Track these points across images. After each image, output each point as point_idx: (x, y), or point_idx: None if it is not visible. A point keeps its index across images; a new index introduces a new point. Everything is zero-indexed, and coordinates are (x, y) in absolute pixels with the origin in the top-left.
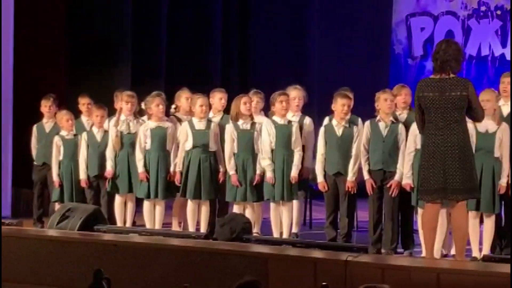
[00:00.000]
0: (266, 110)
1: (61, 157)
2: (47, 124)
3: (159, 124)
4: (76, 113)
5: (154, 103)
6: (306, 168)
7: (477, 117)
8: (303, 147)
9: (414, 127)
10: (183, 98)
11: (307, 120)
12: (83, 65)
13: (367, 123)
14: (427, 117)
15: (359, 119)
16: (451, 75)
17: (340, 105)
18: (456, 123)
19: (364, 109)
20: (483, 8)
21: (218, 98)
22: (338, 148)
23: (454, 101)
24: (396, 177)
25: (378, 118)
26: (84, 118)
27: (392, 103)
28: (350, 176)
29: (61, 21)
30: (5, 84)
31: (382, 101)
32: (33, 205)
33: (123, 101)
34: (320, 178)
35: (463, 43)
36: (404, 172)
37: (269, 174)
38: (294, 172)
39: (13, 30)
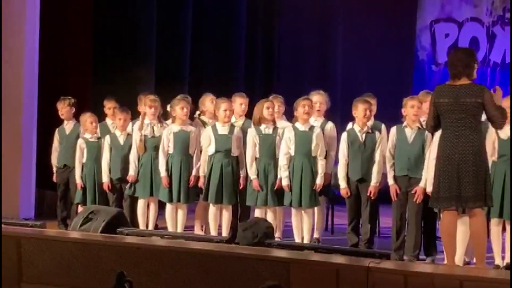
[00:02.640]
0: (289, 115)
1: (84, 160)
2: (67, 126)
3: (182, 127)
4: (101, 116)
5: (179, 106)
6: (327, 174)
7: (495, 124)
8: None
9: (438, 134)
10: (207, 101)
11: (329, 125)
12: (107, 68)
13: (394, 128)
14: (443, 123)
15: (383, 125)
16: (467, 82)
17: (362, 110)
18: (470, 129)
19: (387, 115)
20: (508, 15)
21: (238, 103)
22: (361, 154)
23: (469, 108)
24: (421, 184)
25: (404, 124)
26: (109, 121)
27: (419, 109)
28: (373, 182)
29: (87, 25)
30: (29, 87)
31: (409, 107)
32: (57, 207)
33: (147, 106)
34: (343, 184)
35: (487, 50)
36: (429, 179)
37: (285, 182)
38: (319, 180)
39: (38, 33)
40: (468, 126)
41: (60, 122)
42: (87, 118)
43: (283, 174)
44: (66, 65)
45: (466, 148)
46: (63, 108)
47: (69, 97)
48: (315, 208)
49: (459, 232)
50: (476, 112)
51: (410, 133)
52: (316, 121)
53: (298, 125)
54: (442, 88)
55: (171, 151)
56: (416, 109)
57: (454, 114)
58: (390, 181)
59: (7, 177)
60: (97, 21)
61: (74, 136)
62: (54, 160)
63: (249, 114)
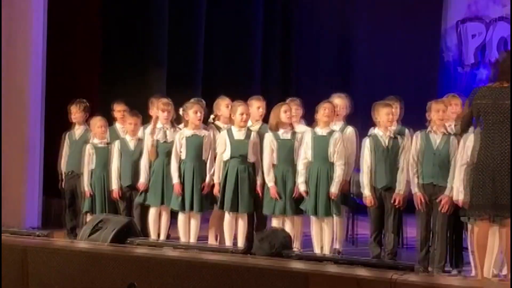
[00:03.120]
0: (308, 119)
1: (92, 166)
2: (77, 131)
3: (195, 132)
4: (110, 120)
5: (192, 110)
6: (345, 181)
7: None
8: None
9: (465, 138)
10: (223, 106)
11: (349, 130)
12: (116, 70)
13: (418, 134)
14: (480, 126)
15: (407, 130)
16: (505, 84)
17: (384, 114)
18: (507, 134)
19: (411, 119)
20: None
21: (255, 106)
22: (385, 160)
23: (506, 111)
24: (447, 192)
25: (429, 129)
26: (118, 126)
27: (445, 113)
28: (398, 189)
29: (95, 25)
30: (35, 89)
31: (434, 111)
32: (65, 216)
33: (159, 110)
34: (367, 192)
35: None
36: (456, 187)
37: (302, 188)
38: (334, 188)
39: (46, 33)
40: (505, 130)
41: (68, 126)
42: (97, 122)
43: (299, 179)
44: (74, 66)
45: (502, 153)
46: (77, 112)
47: (84, 100)
48: (336, 218)
49: (488, 242)
50: None
51: (435, 139)
52: (335, 125)
53: (317, 129)
54: (482, 89)
55: (183, 156)
56: (441, 113)
57: (492, 117)
58: (415, 189)
59: (11, 183)
60: (107, 20)
61: (82, 141)
62: (63, 166)
63: (265, 118)
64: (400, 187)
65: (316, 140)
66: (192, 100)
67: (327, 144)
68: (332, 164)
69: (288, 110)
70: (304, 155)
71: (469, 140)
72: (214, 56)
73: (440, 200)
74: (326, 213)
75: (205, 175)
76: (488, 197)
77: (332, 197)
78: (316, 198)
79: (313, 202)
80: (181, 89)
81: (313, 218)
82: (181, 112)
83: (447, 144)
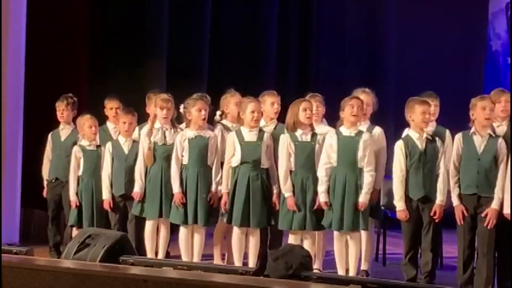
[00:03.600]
0: (330, 118)
1: (80, 172)
2: (62, 131)
3: (199, 133)
4: (100, 119)
5: (195, 107)
6: (375, 190)
7: None
8: None
9: None
10: (232, 103)
11: (377, 131)
12: (108, 62)
13: (459, 136)
14: None
15: (447, 131)
16: None
17: (420, 113)
18: None
19: (453, 119)
20: None
21: (269, 103)
22: (422, 167)
23: None
24: (494, 205)
25: (472, 130)
26: (110, 125)
27: (492, 112)
28: (438, 199)
29: (84, 10)
30: (14, 86)
31: (479, 109)
32: (48, 230)
33: (157, 107)
34: (401, 205)
35: None
36: (505, 198)
37: (321, 199)
38: (363, 198)
39: (25, 21)
40: None
41: (52, 127)
42: (85, 121)
43: (320, 188)
44: (59, 58)
45: None
46: (65, 110)
47: (71, 95)
48: (364, 233)
49: None
50: None
51: (479, 142)
52: (360, 125)
53: (343, 129)
54: None
55: (185, 161)
56: (488, 112)
57: None
58: (455, 201)
59: None
60: (97, 4)
61: (70, 144)
62: (46, 172)
63: (281, 117)
64: (441, 197)
65: (342, 142)
66: (194, 95)
67: (356, 147)
68: (360, 170)
69: (308, 108)
70: (327, 159)
71: None
72: (222, 46)
73: (486, 214)
74: (353, 228)
75: (211, 183)
76: None
77: (362, 209)
78: (342, 210)
79: (338, 214)
80: (183, 83)
81: (336, 234)
82: (181, 109)
83: (493, 148)
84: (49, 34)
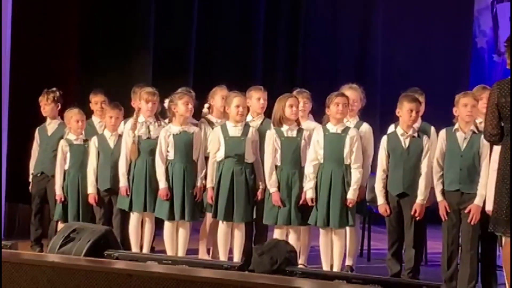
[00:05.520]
0: (316, 114)
1: (66, 166)
2: (49, 125)
3: (183, 128)
4: (86, 114)
5: (182, 100)
6: (362, 186)
7: None
8: None
9: None
10: (218, 96)
11: (365, 127)
12: (96, 56)
13: (443, 132)
14: (506, 128)
15: (432, 128)
16: None
17: (407, 110)
18: None
19: (438, 115)
20: None
21: (255, 98)
22: (403, 163)
23: None
24: (476, 201)
25: (456, 126)
26: (96, 120)
27: (474, 109)
28: (419, 198)
29: (72, 3)
30: None
31: (461, 106)
32: (31, 224)
33: (143, 100)
34: (381, 200)
35: None
36: (488, 195)
37: (308, 195)
38: (351, 194)
39: (10, 15)
40: None
41: (39, 121)
42: (73, 115)
43: (307, 185)
44: (46, 53)
45: None
46: (47, 104)
47: (54, 90)
48: (348, 229)
49: None
50: None
51: (462, 138)
52: (348, 122)
53: (330, 126)
54: (507, 84)
55: (171, 157)
56: (470, 108)
57: None
58: (439, 197)
59: None
60: (85, 1)
61: (56, 139)
62: (32, 166)
63: (269, 112)
64: (421, 197)
65: (328, 139)
66: (179, 90)
67: (342, 144)
68: (347, 166)
69: (294, 104)
70: (314, 155)
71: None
72: (208, 41)
73: (469, 210)
74: (340, 224)
75: (197, 178)
76: None
77: (350, 205)
78: (328, 206)
79: (325, 211)
80: (169, 78)
81: (322, 230)
82: (166, 104)
83: (476, 144)
84: (37, 27)
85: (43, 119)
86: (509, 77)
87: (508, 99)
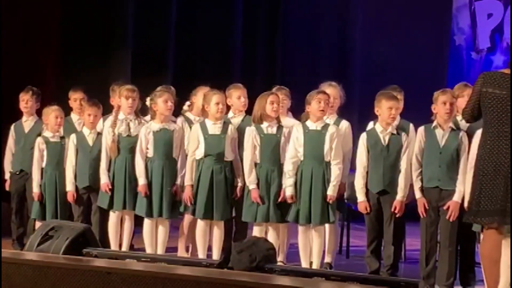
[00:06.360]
0: (295, 112)
1: (44, 164)
2: (26, 122)
3: (163, 126)
4: (65, 111)
5: (162, 98)
6: (341, 183)
7: None
8: None
9: (478, 135)
10: (200, 93)
11: (344, 125)
12: (75, 54)
13: (421, 129)
14: (486, 120)
15: (411, 125)
16: None
17: (386, 108)
18: None
19: (416, 112)
20: None
21: (236, 96)
22: (383, 160)
23: None
24: (455, 197)
25: (434, 123)
26: (74, 117)
27: (453, 106)
28: (399, 195)
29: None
30: None
31: (440, 103)
32: (11, 222)
33: (123, 97)
34: (361, 197)
35: None
36: (466, 191)
37: (287, 192)
38: (331, 191)
39: None
40: None
41: (13, 118)
42: (52, 112)
43: (287, 182)
44: (26, 50)
45: None
46: (30, 100)
47: (35, 88)
48: (327, 226)
49: (502, 256)
50: None
51: (441, 135)
52: (328, 119)
53: (309, 123)
54: (492, 75)
55: (150, 154)
56: (448, 106)
57: (506, 110)
58: (418, 194)
59: None
60: None
61: (33, 136)
62: (8, 164)
63: (250, 110)
64: (401, 194)
65: (308, 136)
66: (160, 87)
67: (322, 141)
68: (327, 163)
69: (275, 101)
70: (294, 152)
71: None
72: (188, 38)
73: (448, 207)
74: (322, 221)
75: (176, 176)
76: (498, 201)
77: (330, 201)
78: (309, 203)
79: (307, 208)
80: (148, 76)
81: (301, 227)
82: (148, 102)
83: (454, 141)
84: (16, 24)
85: (17, 116)
86: (496, 70)
87: (489, 89)
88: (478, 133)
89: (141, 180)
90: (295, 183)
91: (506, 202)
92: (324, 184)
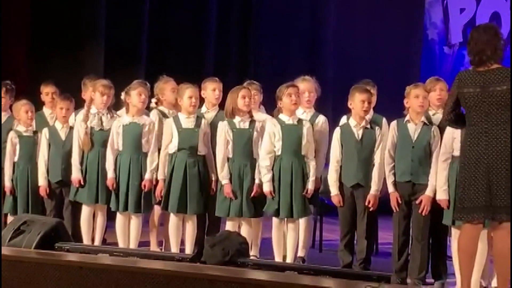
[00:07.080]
0: (268, 106)
1: (16, 158)
2: None
3: (133, 119)
4: (37, 105)
5: (136, 91)
6: (317, 177)
7: None
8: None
9: (450, 129)
10: (167, 90)
11: (321, 119)
12: (47, 47)
13: (393, 124)
14: (468, 119)
15: (384, 119)
16: (494, 66)
17: (359, 101)
18: (503, 124)
19: (389, 106)
20: None
21: (211, 89)
22: (357, 154)
23: (499, 98)
24: (428, 191)
25: (407, 118)
26: (47, 111)
27: (425, 100)
28: (373, 189)
29: None
30: None
31: (413, 97)
32: None
33: (98, 92)
34: (334, 191)
35: None
36: (438, 185)
37: (266, 188)
38: (311, 185)
39: None
40: (500, 120)
41: None
42: (22, 106)
43: (265, 177)
44: None
45: (497, 147)
46: (3, 97)
47: (8, 82)
48: (301, 220)
49: (478, 249)
50: (507, 102)
51: (413, 129)
52: (305, 113)
53: (284, 117)
54: (467, 74)
55: (120, 148)
56: (421, 100)
57: (483, 107)
58: (390, 189)
59: None
60: None
61: (5, 131)
62: None
63: (223, 104)
64: (375, 187)
65: (286, 130)
66: (135, 82)
67: (300, 135)
68: (304, 157)
69: (247, 95)
70: (270, 148)
71: (457, 132)
72: (161, 32)
73: (420, 201)
74: (303, 214)
75: (144, 170)
76: (482, 198)
77: (309, 195)
78: (291, 197)
79: (288, 203)
80: (121, 70)
81: (276, 221)
82: (123, 96)
83: (426, 135)
84: None
85: None
86: (469, 68)
87: (464, 90)
88: (449, 128)
89: (109, 173)
90: (272, 178)
91: (490, 198)
92: (303, 178)
